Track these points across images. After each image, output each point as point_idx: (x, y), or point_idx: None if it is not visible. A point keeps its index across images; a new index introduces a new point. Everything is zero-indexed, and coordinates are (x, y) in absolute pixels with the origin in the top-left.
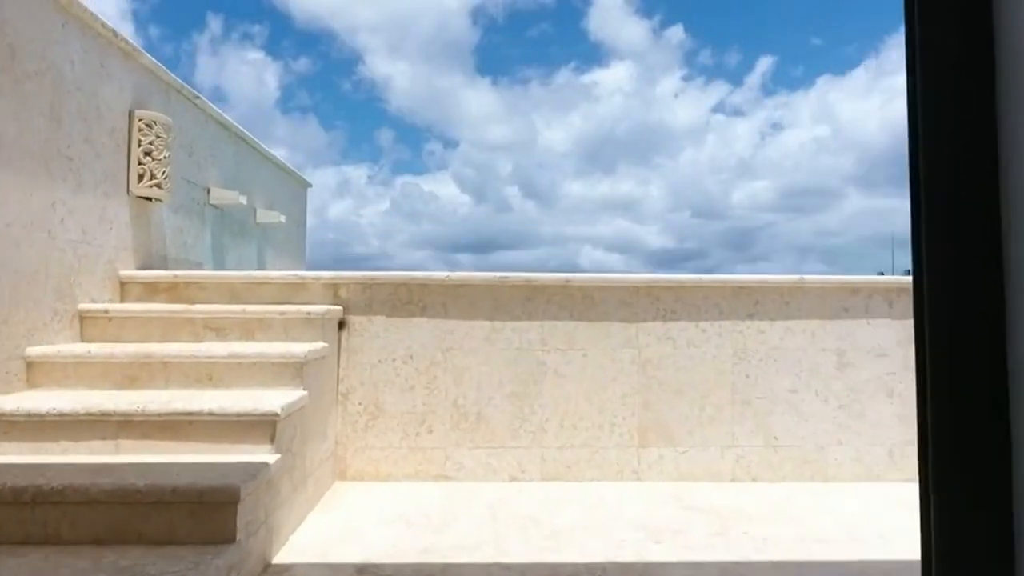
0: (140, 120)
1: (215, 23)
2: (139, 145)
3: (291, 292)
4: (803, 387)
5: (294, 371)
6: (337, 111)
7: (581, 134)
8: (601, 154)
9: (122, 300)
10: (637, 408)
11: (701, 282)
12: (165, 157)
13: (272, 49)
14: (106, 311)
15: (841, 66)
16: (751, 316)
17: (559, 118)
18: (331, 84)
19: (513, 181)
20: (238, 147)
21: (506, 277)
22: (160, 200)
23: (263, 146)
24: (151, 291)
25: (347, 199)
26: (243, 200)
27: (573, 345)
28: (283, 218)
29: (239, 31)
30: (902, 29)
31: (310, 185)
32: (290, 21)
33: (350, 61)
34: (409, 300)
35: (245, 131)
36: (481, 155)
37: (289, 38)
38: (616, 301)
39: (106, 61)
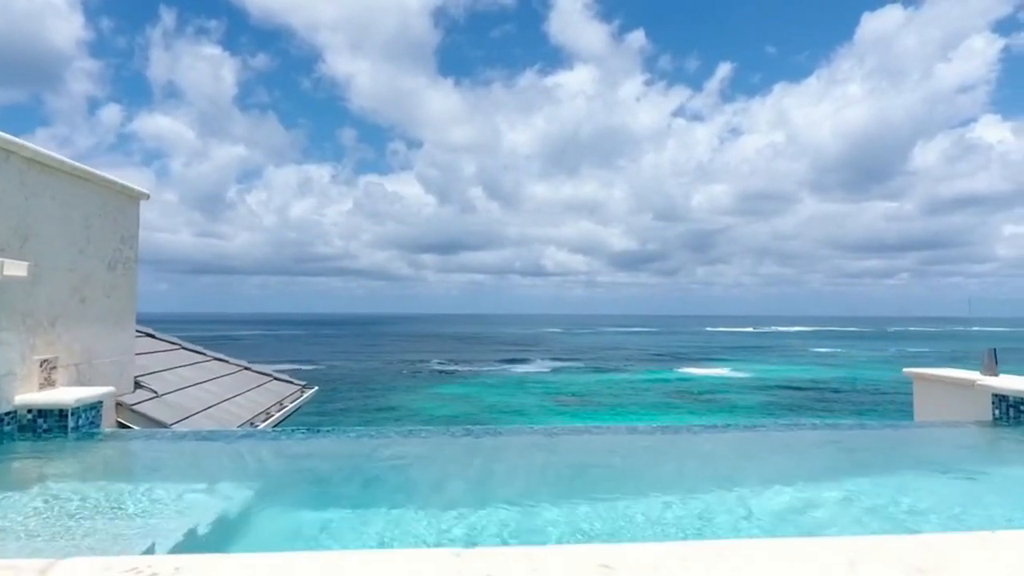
0: None
1: (168, 16)
2: None
3: None
4: None
5: None
6: (298, 109)
7: (545, 136)
8: (565, 156)
9: None
10: None
11: None
12: None
13: (229, 45)
14: None
15: (795, 74)
16: None
17: (522, 120)
18: (291, 82)
19: (477, 182)
20: None
21: None
22: None
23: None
24: None
25: (309, 198)
26: None
27: None
28: (22, 269)
29: (194, 25)
30: (853, 39)
31: (144, 196)
32: (246, 17)
33: (310, 59)
34: None
35: None
36: (445, 156)
37: (246, 34)
38: None
39: None
